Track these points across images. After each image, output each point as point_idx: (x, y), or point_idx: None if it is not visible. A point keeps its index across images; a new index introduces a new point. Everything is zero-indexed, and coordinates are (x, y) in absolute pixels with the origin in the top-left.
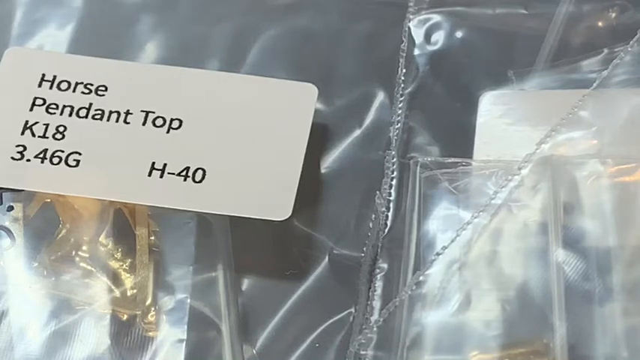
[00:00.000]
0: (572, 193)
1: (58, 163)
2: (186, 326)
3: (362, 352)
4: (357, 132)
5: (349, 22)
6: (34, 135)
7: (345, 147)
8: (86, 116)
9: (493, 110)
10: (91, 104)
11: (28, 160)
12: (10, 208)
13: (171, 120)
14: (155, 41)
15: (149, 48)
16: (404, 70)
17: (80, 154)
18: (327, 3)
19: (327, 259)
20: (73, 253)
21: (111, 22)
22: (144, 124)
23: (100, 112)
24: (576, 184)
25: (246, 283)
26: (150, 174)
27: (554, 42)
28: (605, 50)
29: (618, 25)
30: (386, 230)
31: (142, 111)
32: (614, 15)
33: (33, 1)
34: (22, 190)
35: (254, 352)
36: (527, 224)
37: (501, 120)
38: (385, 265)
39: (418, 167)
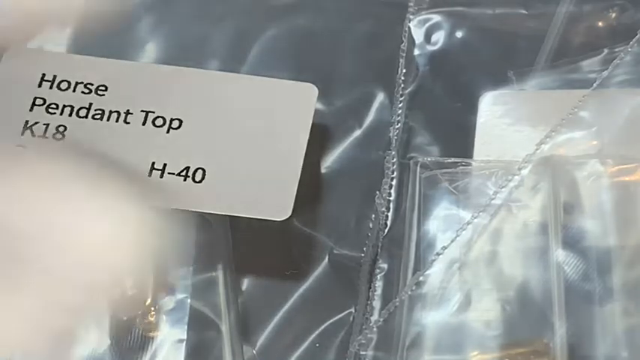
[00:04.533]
0: (572, 193)
1: None
2: (186, 326)
3: (362, 353)
4: (357, 132)
5: (349, 22)
6: (34, 135)
7: (345, 147)
8: (86, 116)
9: (493, 110)
10: (91, 104)
11: None
12: None
13: (171, 120)
14: (155, 41)
15: (149, 48)
16: (404, 70)
17: None
18: (327, 3)
19: (327, 259)
20: None
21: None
22: (144, 124)
23: (100, 112)
24: (576, 184)
25: (246, 283)
26: (150, 174)
27: (554, 42)
28: (605, 50)
29: (618, 25)
30: (386, 230)
31: (142, 111)
32: (614, 15)
33: None
34: None
35: (254, 352)
36: (527, 224)
37: (501, 120)
38: (385, 265)
39: (418, 167)
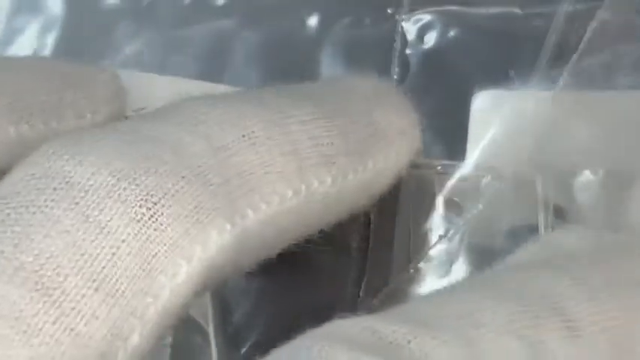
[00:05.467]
0: (564, 199)
1: None
2: (171, 330)
3: None
4: None
5: (340, 21)
6: None
7: None
8: None
9: (486, 110)
10: None
11: None
12: None
13: None
14: (136, 47)
15: (129, 52)
16: (397, 70)
17: None
18: (317, 2)
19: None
20: None
21: (91, 28)
22: None
23: None
24: (567, 190)
25: (244, 284)
26: None
27: (553, 42)
28: (606, 51)
29: (619, 25)
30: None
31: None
32: (615, 15)
33: (13, 7)
34: None
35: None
36: (517, 226)
37: (495, 120)
38: (376, 268)
39: (413, 169)
